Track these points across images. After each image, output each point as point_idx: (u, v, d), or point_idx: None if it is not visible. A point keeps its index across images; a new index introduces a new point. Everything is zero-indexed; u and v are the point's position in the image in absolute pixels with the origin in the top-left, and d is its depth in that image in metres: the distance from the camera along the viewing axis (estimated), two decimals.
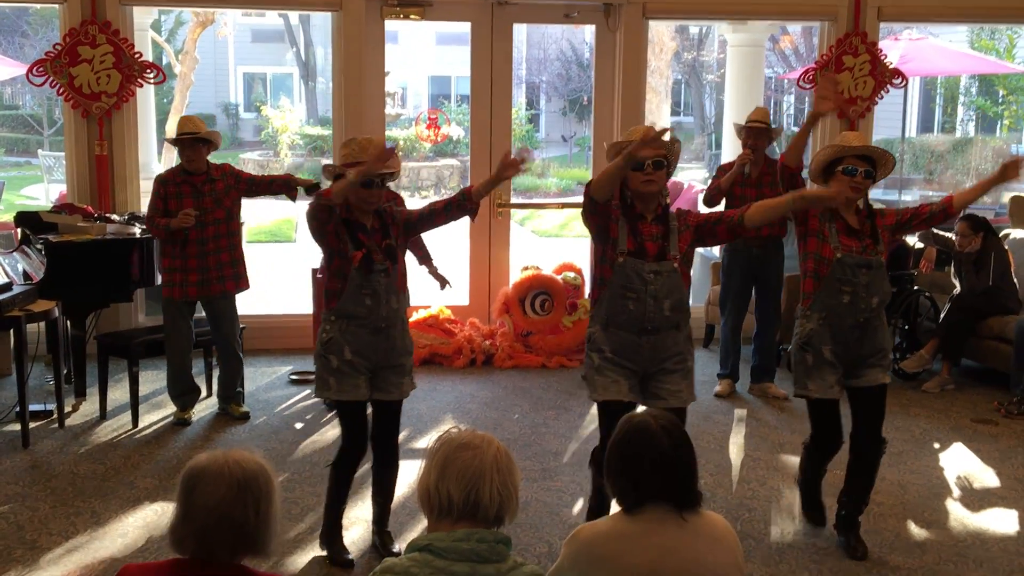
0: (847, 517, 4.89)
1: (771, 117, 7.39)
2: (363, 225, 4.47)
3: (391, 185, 5.32)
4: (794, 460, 6.04)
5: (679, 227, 4.43)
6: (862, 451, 4.82)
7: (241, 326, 6.80)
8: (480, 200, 4.54)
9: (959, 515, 5.36)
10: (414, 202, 19.52)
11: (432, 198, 20.39)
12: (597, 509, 4.52)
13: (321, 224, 4.41)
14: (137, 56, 7.83)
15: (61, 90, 7.73)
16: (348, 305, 4.46)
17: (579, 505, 5.38)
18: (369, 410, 4.70)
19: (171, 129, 6.34)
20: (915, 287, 7.86)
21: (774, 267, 7.24)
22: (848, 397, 4.80)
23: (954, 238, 7.74)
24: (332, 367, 4.50)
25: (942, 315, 7.72)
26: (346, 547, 4.78)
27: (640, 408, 4.23)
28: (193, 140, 6.27)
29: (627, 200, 4.42)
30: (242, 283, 6.57)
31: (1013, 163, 4.68)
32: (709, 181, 7.70)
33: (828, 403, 4.76)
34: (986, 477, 5.90)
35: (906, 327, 7.86)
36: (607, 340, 4.45)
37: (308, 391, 7.22)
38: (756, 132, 7.05)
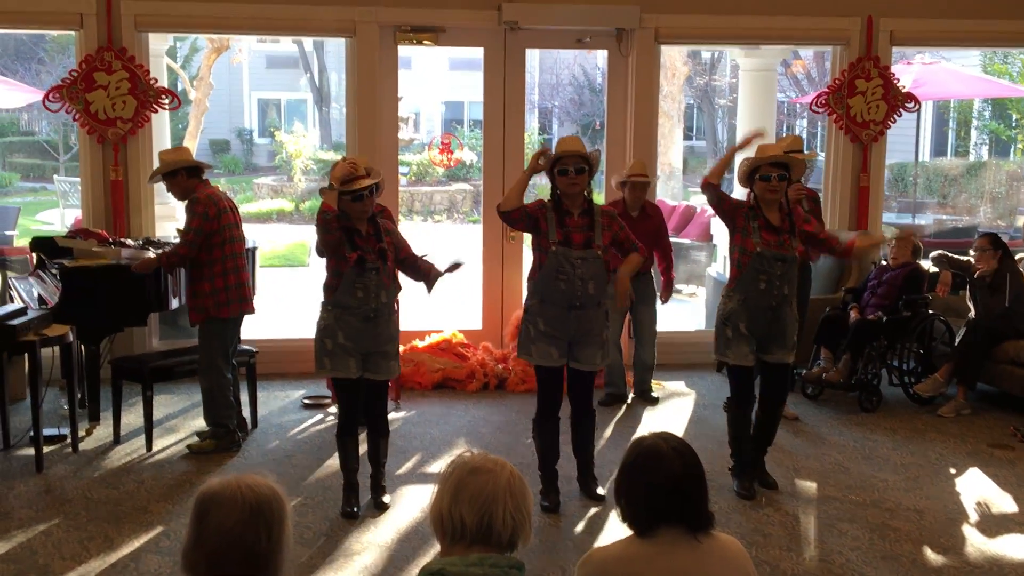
0: (753, 459, 5.89)
1: (804, 144, 7.41)
2: (359, 231, 5.31)
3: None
4: (811, 485, 6.02)
5: (603, 224, 5.40)
6: (766, 408, 5.86)
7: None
8: (435, 284, 5.53)
9: (976, 541, 5.31)
10: (426, 226, 19.60)
11: (445, 223, 20.46)
12: (546, 481, 5.63)
13: (328, 231, 5.20)
14: (152, 82, 7.89)
15: (77, 116, 7.79)
16: (342, 297, 5.31)
17: (594, 529, 5.35)
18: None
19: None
20: (930, 311, 7.82)
21: (802, 291, 7.19)
22: (759, 368, 5.77)
23: (972, 254, 7.72)
24: (327, 349, 5.36)
25: (957, 339, 7.68)
26: (357, 502, 5.53)
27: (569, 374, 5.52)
28: (161, 177, 6.36)
29: (557, 198, 5.39)
30: (192, 315, 6.41)
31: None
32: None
33: (744, 368, 5.70)
34: (1003, 503, 5.85)
35: (921, 351, 7.82)
36: (542, 313, 5.41)
37: (321, 415, 7.22)
38: (802, 162, 7.03)
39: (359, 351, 5.37)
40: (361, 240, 5.30)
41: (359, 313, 5.30)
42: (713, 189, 5.68)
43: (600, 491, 5.70)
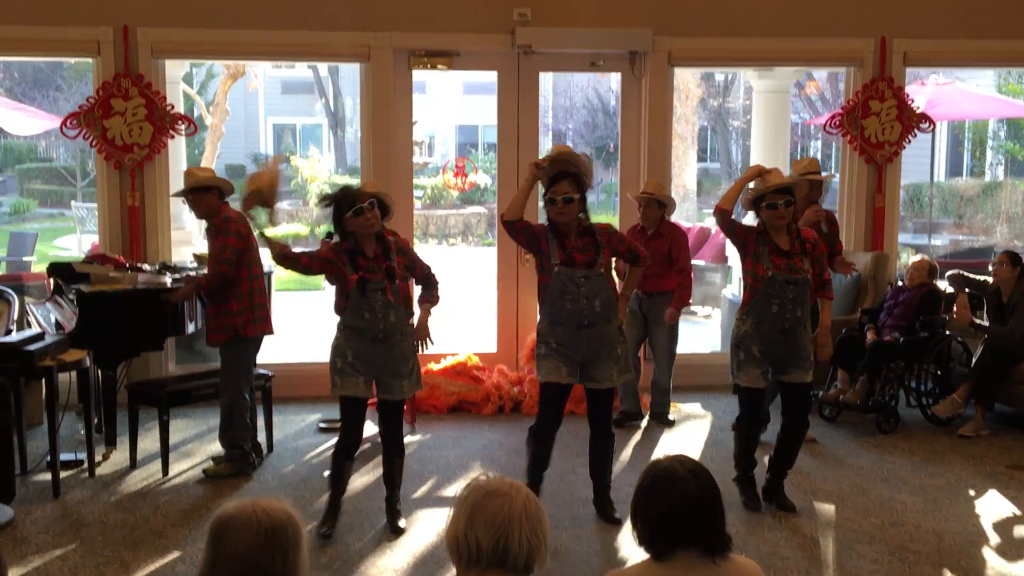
0: (773, 481, 5.94)
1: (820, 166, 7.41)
2: (363, 252, 5.32)
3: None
4: (829, 507, 5.99)
5: (603, 241, 5.48)
6: (788, 432, 5.87)
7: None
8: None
9: (996, 564, 5.26)
10: (441, 249, 19.63)
11: (460, 246, 20.50)
12: (531, 484, 5.36)
13: (298, 266, 5.50)
14: (169, 108, 7.95)
15: (94, 142, 7.85)
16: (349, 318, 5.35)
17: (610, 553, 5.33)
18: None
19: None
20: (947, 332, 7.78)
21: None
22: (779, 390, 5.88)
23: (990, 268, 7.71)
24: (337, 368, 5.39)
25: (975, 359, 7.64)
26: (333, 526, 5.48)
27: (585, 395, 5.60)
28: (189, 191, 6.35)
29: (553, 223, 5.47)
30: (218, 335, 6.40)
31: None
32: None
33: (754, 391, 5.76)
34: (1023, 525, 5.80)
35: (938, 372, 7.78)
36: (552, 333, 5.49)
37: (337, 439, 7.20)
38: (818, 184, 7.05)
39: (370, 371, 5.39)
40: (365, 261, 5.31)
41: (367, 334, 5.32)
42: (725, 216, 5.74)
43: (616, 515, 5.68)
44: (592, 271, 5.42)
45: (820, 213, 7.01)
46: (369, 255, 5.33)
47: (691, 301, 7.75)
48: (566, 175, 5.47)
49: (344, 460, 5.52)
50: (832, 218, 7.36)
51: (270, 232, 5.74)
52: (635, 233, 7.42)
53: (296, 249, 5.63)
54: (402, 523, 5.61)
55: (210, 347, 6.67)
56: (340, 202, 5.31)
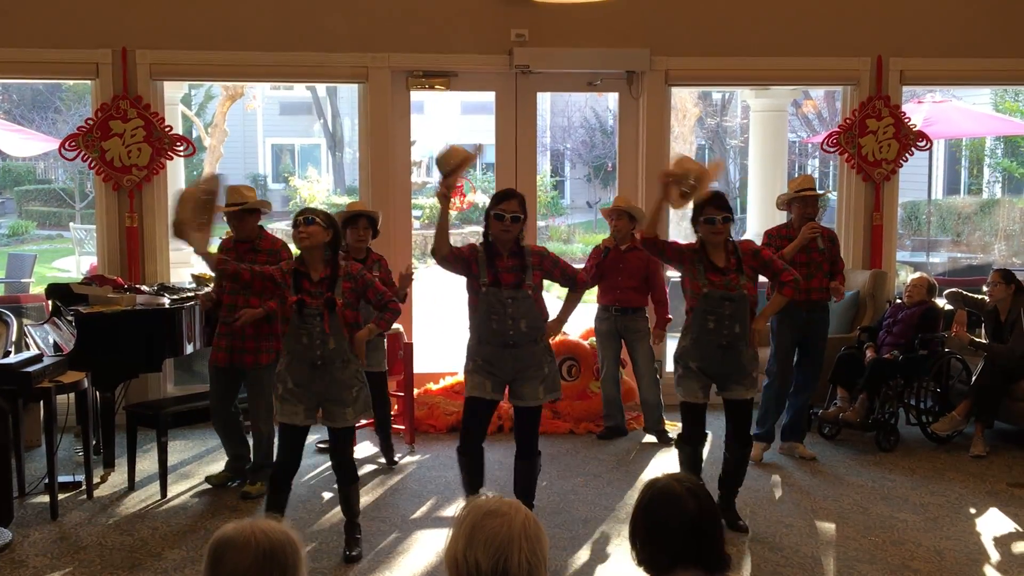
0: (723, 500, 5.85)
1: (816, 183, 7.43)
2: (309, 275, 5.24)
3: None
4: (829, 526, 5.97)
5: (533, 263, 5.47)
6: (732, 450, 5.90)
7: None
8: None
9: None
10: (439, 269, 19.57)
11: None
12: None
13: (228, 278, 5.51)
14: (167, 130, 7.97)
15: (93, 164, 7.86)
16: (289, 343, 5.25)
17: (609, 573, 5.31)
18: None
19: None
20: (946, 349, 7.78)
21: (821, 331, 7.18)
22: (724, 406, 5.89)
23: (984, 289, 7.71)
24: (278, 394, 5.31)
25: (974, 376, 7.64)
26: None
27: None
28: (241, 211, 6.32)
29: (488, 240, 5.46)
30: (262, 357, 6.36)
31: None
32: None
33: (693, 406, 5.78)
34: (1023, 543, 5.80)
35: (938, 389, 7.77)
36: (479, 352, 5.51)
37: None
38: (813, 200, 7.06)
39: (312, 399, 5.28)
40: (310, 284, 5.21)
41: (306, 360, 5.22)
42: (652, 242, 5.76)
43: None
44: (519, 292, 5.43)
45: (817, 229, 7.00)
46: (315, 279, 5.23)
47: (670, 316, 7.71)
48: (513, 195, 5.49)
49: (280, 486, 5.40)
50: (832, 235, 7.37)
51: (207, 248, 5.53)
52: (610, 253, 7.51)
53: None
54: (356, 552, 5.45)
55: (247, 370, 6.44)
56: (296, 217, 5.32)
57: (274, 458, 5.57)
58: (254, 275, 5.35)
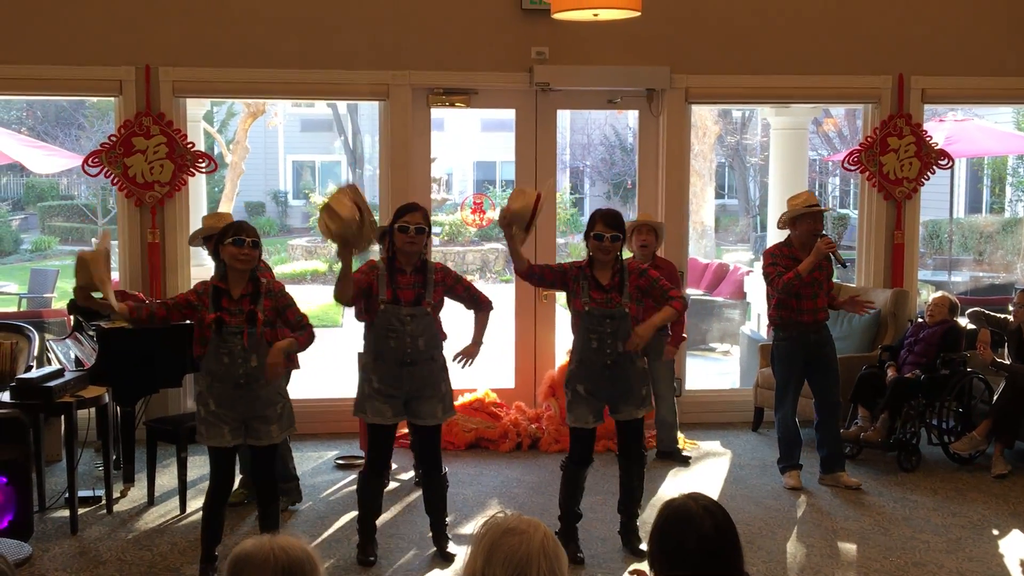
0: (626, 524, 5.83)
1: (817, 198, 7.33)
2: (229, 292, 5.08)
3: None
4: (850, 547, 5.92)
5: (436, 280, 5.47)
6: (627, 470, 5.80)
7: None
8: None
9: None
10: None
11: (477, 282, 20.47)
12: (362, 539, 5.66)
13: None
14: (189, 146, 8.02)
15: (115, 180, 7.91)
16: (209, 363, 5.10)
17: None
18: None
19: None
20: (968, 369, 7.72)
21: (830, 352, 7.07)
22: (615, 426, 5.76)
23: (1010, 308, 7.65)
24: (201, 417, 5.17)
25: (995, 396, 7.57)
26: (211, 568, 5.30)
27: None
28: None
29: (391, 255, 5.43)
30: (289, 364, 6.44)
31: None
32: (759, 263, 7.63)
33: (582, 431, 5.67)
34: None
35: (960, 409, 7.71)
36: (376, 370, 5.46)
37: (355, 475, 7.18)
38: (821, 216, 6.90)
39: (236, 418, 5.15)
40: (229, 302, 5.06)
41: (228, 380, 5.08)
42: (529, 272, 5.70)
43: (451, 551, 5.70)
44: (418, 309, 5.42)
45: (831, 245, 6.80)
46: (235, 296, 5.09)
47: (685, 335, 7.64)
48: (416, 208, 5.48)
49: (216, 508, 5.31)
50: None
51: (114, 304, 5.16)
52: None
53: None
54: None
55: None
56: (226, 230, 5.13)
57: (275, 473, 5.47)
58: (169, 309, 5.19)
